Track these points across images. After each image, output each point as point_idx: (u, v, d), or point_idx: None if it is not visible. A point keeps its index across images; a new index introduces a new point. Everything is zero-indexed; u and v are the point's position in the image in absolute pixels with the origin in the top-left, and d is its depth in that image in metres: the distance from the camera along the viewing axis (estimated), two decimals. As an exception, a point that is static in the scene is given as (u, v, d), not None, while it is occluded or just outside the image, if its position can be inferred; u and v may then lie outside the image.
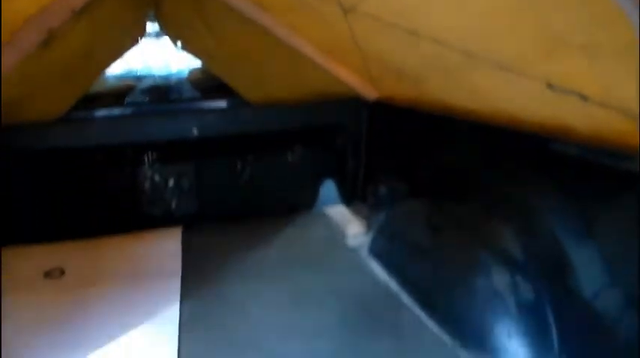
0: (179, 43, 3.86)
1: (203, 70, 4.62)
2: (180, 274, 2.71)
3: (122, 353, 2.09)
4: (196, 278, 2.66)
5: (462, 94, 2.35)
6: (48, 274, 2.82)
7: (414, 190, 2.87)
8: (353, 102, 3.29)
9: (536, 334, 1.97)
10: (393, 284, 2.49)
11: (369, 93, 3.25)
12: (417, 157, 2.88)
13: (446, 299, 2.20)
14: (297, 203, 3.53)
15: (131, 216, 3.34)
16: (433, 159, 2.76)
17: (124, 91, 4.17)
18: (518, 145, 2.16)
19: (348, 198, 3.54)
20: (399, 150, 3.10)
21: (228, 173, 3.43)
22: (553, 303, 1.97)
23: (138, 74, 5.11)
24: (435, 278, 2.31)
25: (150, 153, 3.34)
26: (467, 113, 2.36)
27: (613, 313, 1.74)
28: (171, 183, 3.37)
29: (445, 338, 2.10)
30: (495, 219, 2.22)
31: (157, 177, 3.35)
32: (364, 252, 2.84)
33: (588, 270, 1.85)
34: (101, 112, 3.39)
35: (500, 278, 2.06)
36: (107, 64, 3.71)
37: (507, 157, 2.26)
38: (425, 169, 2.82)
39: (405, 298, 2.38)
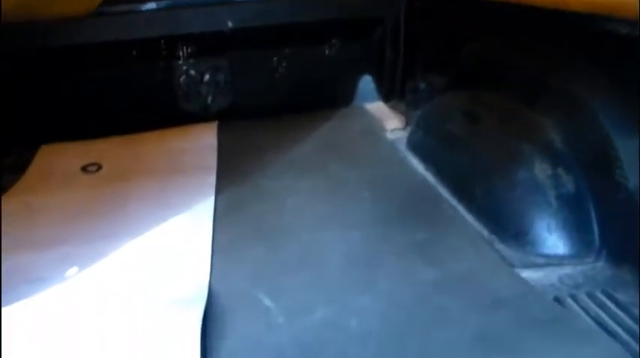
0: None
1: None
2: (215, 168, 2.69)
3: (158, 242, 2.09)
4: (232, 172, 2.64)
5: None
6: (85, 169, 2.83)
7: (454, 84, 2.79)
8: None
9: (576, 228, 1.93)
10: (430, 178, 2.45)
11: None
12: (456, 48, 2.77)
13: (483, 191, 2.15)
14: (335, 98, 3.46)
15: (167, 112, 3.31)
16: (472, 48, 2.66)
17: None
18: (563, 28, 2.06)
19: (387, 94, 3.46)
20: (438, 42, 2.99)
21: (264, 67, 3.37)
22: (595, 197, 1.92)
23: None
24: (473, 171, 2.26)
25: (185, 46, 3.28)
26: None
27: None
28: (206, 77, 3.32)
29: (482, 231, 2.05)
30: (537, 109, 2.15)
31: (192, 72, 3.30)
32: (402, 146, 2.79)
33: (634, 162, 1.78)
34: (135, 5, 3.32)
35: (541, 170, 2.00)
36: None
37: (551, 43, 2.16)
38: (464, 60, 2.72)
39: (443, 191, 2.33)
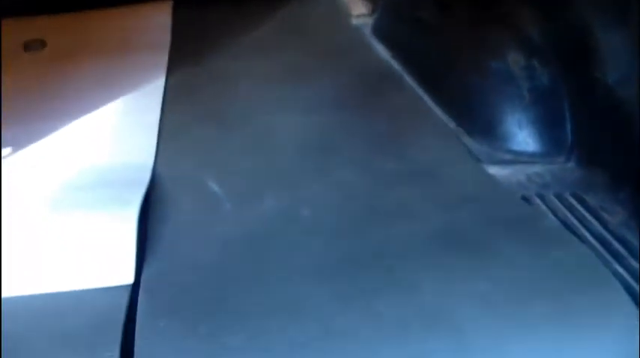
0: None
1: None
2: (167, 48, 2.51)
3: (102, 122, 1.96)
4: (185, 53, 2.46)
5: None
6: (28, 46, 2.62)
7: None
8: None
9: (548, 125, 1.82)
10: (396, 66, 2.29)
11: None
12: None
13: (452, 81, 2.03)
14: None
15: None
16: None
17: None
18: None
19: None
20: None
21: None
22: (571, 92, 1.80)
23: None
24: (442, 59, 2.12)
25: None
26: None
27: (633, 104, 1.56)
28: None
29: (449, 123, 1.93)
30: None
31: None
32: (368, 32, 2.62)
33: (614, 58, 1.66)
34: None
35: (514, 61, 1.87)
36: None
37: None
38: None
39: (409, 80, 2.18)
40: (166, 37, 2.63)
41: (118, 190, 1.53)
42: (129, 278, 1.23)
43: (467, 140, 1.85)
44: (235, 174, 1.62)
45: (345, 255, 1.28)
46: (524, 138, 1.83)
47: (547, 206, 1.58)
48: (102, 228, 1.38)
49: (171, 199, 1.51)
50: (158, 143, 1.78)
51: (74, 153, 1.78)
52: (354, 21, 2.78)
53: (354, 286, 1.17)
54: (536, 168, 1.75)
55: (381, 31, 2.55)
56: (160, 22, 2.82)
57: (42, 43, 2.63)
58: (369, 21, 2.73)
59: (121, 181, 1.58)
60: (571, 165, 1.76)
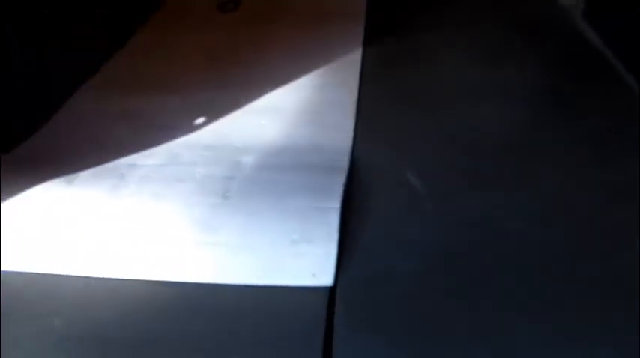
0: None
1: None
2: (363, 18, 2.46)
3: (299, 95, 1.94)
4: (381, 23, 2.41)
5: None
6: (222, 6, 2.67)
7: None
8: None
9: None
10: (607, 54, 2.08)
11: None
12: None
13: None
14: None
15: None
16: None
17: None
18: None
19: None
20: None
21: None
22: None
23: None
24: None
25: None
26: None
27: None
28: None
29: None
30: None
31: None
32: (577, 14, 2.43)
33: None
34: None
35: None
36: None
37: None
38: None
39: (621, 69, 1.98)
40: (361, 7, 2.57)
41: (317, 175, 1.51)
42: (328, 280, 1.20)
43: None
44: (436, 169, 1.54)
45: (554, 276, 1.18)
46: None
47: None
48: (301, 219, 1.36)
49: (369, 192, 1.47)
50: (356, 125, 1.74)
51: (268, 128, 1.77)
52: (564, 1, 2.60)
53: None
54: None
55: (592, 16, 2.35)
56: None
57: (236, 4, 2.67)
58: (580, 3, 2.54)
59: (319, 165, 1.56)
60: None
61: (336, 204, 1.38)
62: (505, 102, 1.82)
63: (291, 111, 1.83)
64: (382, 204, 1.43)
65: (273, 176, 1.53)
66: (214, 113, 1.84)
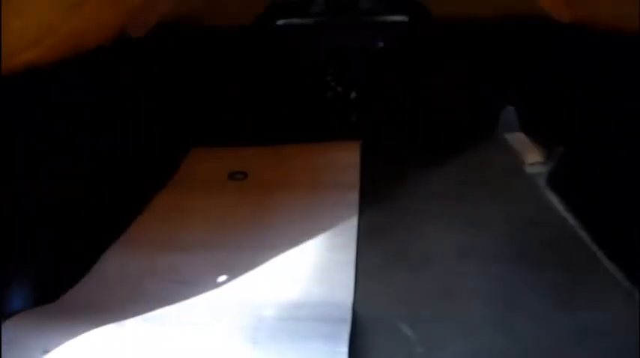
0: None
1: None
2: (358, 187, 2.78)
3: (302, 257, 2.21)
4: (374, 193, 2.72)
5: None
6: (232, 176, 2.98)
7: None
8: (541, 24, 3.03)
9: None
10: (570, 219, 2.43)
11: (562, 14, 3.05)
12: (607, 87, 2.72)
13: (628, 242, 2.12)
14: (477, 128, 3.49)
15: (312, 126, 3.43)
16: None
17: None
18: None
19: (529, 126, 3.44)
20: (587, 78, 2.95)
21: (409, 91, 3.43)
22: None
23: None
24: (618, 219, 2.23)
25: (333, 64, 3.39)
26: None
27: None
28: (353, 95, 3.42)
29: (624, 282, 2.01)
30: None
31: (339, 89, 3.40)
32: (542, 182, 2.79)
33: None
34: (285, 21, 3.45)
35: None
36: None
37: None
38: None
39: (583, 234, 2.31)
40: (356, 177, 2.91)
41: (325, 326, 1.76)
42: None
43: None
44: (426, 318, 1.82)
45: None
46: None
47: None
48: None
49: (369, 340, 1.73)
50: (355, 281, 2.02)
51: (279, 285, 2.03)
52: (529, 169, 2.96)
53: None
54: None
55: (555, 183, 2.71)
56: (349, 161, 3.11)
57: (244, 175, 2.99)
58: (542, 169, 2.90)
59: (325, 317, 1.81)
60: None
61: (343, 348, 1.63)
62: (483, 261, 2.14)
63: (301, 271, 2.10)
64: (380, 349, 1.70)
65: (291, 326, 1.78)
66: (233, 271, 2.10)
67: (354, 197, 2.66)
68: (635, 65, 2.26)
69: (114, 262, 2.20)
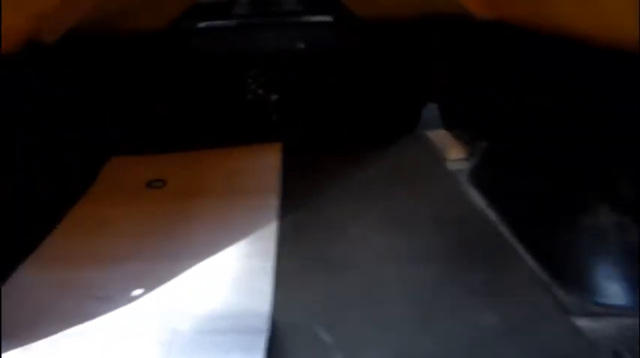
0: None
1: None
2: (278, 191, 2.74)
3: (222, 265, 2.15)
4: (294, 196, 2.69)
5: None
6: (150, 184, 2.91)
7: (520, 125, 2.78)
8: (462, 22, 3.05)
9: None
10: (491, 215, 2.45)
11: (482, 12, 3.08)
12: (525, 88, 2.76)
13: (546, 235, 2.15)
14: (399, 125, 3.49)
15: (232, 130, 3.38)
16: (543, 90, 2.64)
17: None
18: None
19: (450, 123, 3.46)
20: (508, 77, 2.98)
21: (332, 91, 3.41)
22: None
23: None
24: (537, 213, 2.26)
25: (255, 65, 3.35)
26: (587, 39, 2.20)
27: None
28: (273, 97, 3.38)
29: (542, 275, 2.04)
30: (606, 156, 2.13)
31: (260, 91, 3.36)
32: (464, 179, 2.80)
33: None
34: (207, 23, 3.39)
35: (607, 219, 1.98)
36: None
37: (620, 88, 2.14)
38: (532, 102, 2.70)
39: (504, 230, 2.33)
40: (276, 181, 2.87)
41: (241, 337, 1.71)
42: None
43: (558, 292, 1.95)
44: (344, 324, 1.78)
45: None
46: (615, 291, 1.91)
47: None
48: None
49: (287, 348, 1.69)
50: (274, 289, 1.96)
51: (196, 296, 1.97)
52: (451, 166, 2.97)
53: None
54: (627, 321, 1.81)
55: (477, 179, 2.73)
56: (270, 164, 3.07)
57: (163, 183, 2.91)
58: (464, 166, 2.92)
59: (242, 328, 1.76)
60: (663, 318, 1.84)
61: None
62: (405, 262, 2.12)
63: (219, 281, 2.04)
64: (299, 357, 1.66)
65: (208, 339, 1.72)
66: (150, 284, 2.02)
67: (274, 201, 2.62)
68: (556, 61, 2.30)
69: (24, 280, 2.09)
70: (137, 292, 2.00)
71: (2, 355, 1.64)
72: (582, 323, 1.80)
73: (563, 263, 2.05)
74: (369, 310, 1.85)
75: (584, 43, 2.06)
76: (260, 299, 1.90)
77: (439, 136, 3.37)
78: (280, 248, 2.24)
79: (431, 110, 3.56)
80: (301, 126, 3.43)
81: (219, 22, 3.43)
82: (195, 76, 3.34)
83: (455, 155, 3.06)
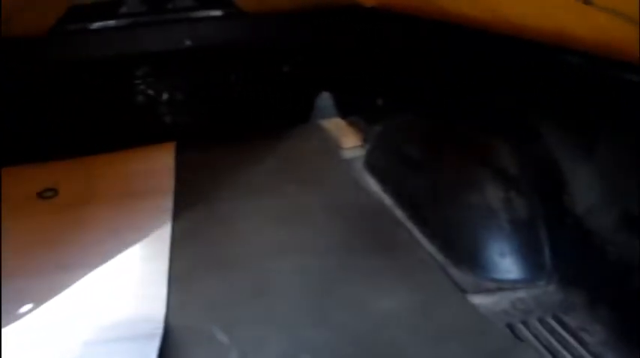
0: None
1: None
2: (172, 192, 2.68)
3: (114, 273, 2.09)
4: (189, 196, 2.63)
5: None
6: (41, 194, 2.80)
7: (412, 104, 2.81)
8: (350, 11, 3.10)
9: (528, 252, 1.96)
10: (387, 200, 2.47)
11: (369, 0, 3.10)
12: (415, 70, 2.79)
13: (439, 215, 2.18)
14: (293, 115, 3.47)
15: (124, 133, 3.29)
16: (430, 71, 2.67)
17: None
18: (519, 56, 2.08)
19: (345, 111, 3.47)
20: (398, 62, 3.00)
21: (222, 86, 3.37)
22: (547, 221, 1.96)
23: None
24: (428, 194, 2.28)
25: (142, 66, 3.27)
26: (465, 20, 2.24)
27: (605, 232, 1.71)
28: (164, 97, 3.31)
29: (437, 255, 2.08)
30: (493, 135, 2.18)
31: (150, 91, 3.29)
32: (359, 166, 2.80)
33: (584, 188, 1.82)
34: (91, 24, 3.29)
35: (493, 194, 2.04)
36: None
37: (507, 69, 2.18)
38: (423, 82, 2.74)
39: (399, 213, 2.35)
40: (170, 181, 2.80)
41: (134, 344, 1.67)
42: None
43: (453, 271, 1.99)
44: (240, 322, 1.76)
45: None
46: (506, 266, 1.96)
47: (530, 332, 1.70)
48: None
49: (182, 351, 1.66)
50: (168, 291, 1.93)
51: (89, 306, 1.91)
52: (346, 154, 2.98)
53: None
54: (520, 294, 1.88)
55: (371, 165, 2.74)
56: (164, 164, 3.00)
57: (55, 192, 2.80)
58: (360, 153, 2.92)
59: (136, 335, 1.72)
60: (551, 288, 1.89)
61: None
62: (300, 258, 2.09)
63: (114, 288, 1.99)
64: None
65: (102, 349, 1.68)
66: (40, 297, 1.94)
67: (168, 202, 2.56)
68: (440, 44, 2.33)
69: None
70: (26, 307, 1.91)
71: None
72: (477, 300, 1.84)
73: (456, 243, 2.09)
74: (264, 306, 1.84)
75: (466, 25, 2.11)
76: (155, 303, 1.86)
77: (334, 125, 3.36)
78: (175, 249, 2.19)
79: (325, 99, 3.54)
80: (195, 123, 3.36)
81: (101, 23, 3.32)
82: (82, 80, 3.23)
83: (350, 143, 3.06)
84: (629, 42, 1.49)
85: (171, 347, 1.66)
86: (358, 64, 3.27)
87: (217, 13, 3.45)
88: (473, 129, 2.27)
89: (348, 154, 2.98)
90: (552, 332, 1.70)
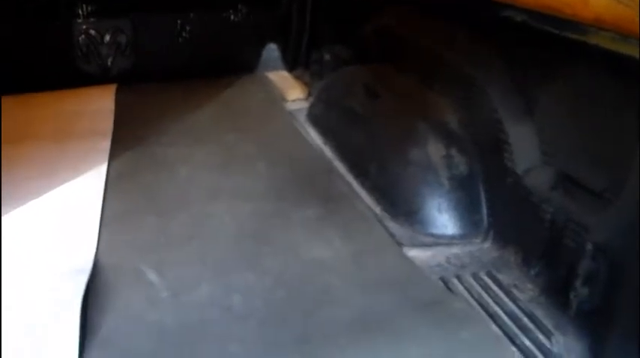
0: None
1: None
2: (110, 133, 2.61)
3: (46, 211, 2.02)
4: (127, 138, 2.55)
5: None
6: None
7: (358, 57, 2.78)
8: None
9: (466, 209, 1.97)
10: (327, 152, 2.45)
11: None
12: (360, 23, 2.76)
13: (378, 168, 2.17)
14: (238, 65, 3.41)
15: (64, 73, 3.17)
16: (374, 25, 2.64)
17: None
18: (463, 10, 2.06)
19: (291, 63, 3.43)
20: (344, 14, 2.97)
21: (168, 30, 3.28)
22: (486, 179, 1.97)
23: None
24: (369, 147, 2.27)
25: (85, 5, 3.16)
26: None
27: (542, 191, 1.71)
28: (107, 38, 3.21)
29: (375, 208, 2.07)
30: (436, 89, 2.17)
31: (92, 32, 3.18)
32: (302, 118, 2.78)
33: (523, 147, 1.82)
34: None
35: (434, 150, 2.03)
36: None
37: (450, 23, 2.17)
38: (367, 34, 2.71)
39: (339, 165, 2.34)
40: (109, 122, 2.73)
41: (61, 279, 1.61)
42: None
43: (390, 224, 1.98)
44: (172, 263, 1.72)
45: (271, 342, 1.40)
46: (443, 221, 1.97)
47: (464, 286, 1.71)
48: (45, 317, 1.47)
49: (111, 288, 1.60)
50: (100, 232, 1.87)
51: (18, 241, 1.84)
52: (290, 106, 2.94)
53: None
54: (455, 250, 1.89)
55: (314, 117, 2.71)
56: (104, 106, 2.91)
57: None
58: (304, 105, 2.89)
59: (64, 270, 1.66)
60: (487, 245, 1.91)
61: (77, 300, 1.50)
62: (236, 202, 2.05)
63: (43, 224, 1.93)
64: (122, 297, 1.57)
65: (27, 280, 1.63)
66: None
67: (105, 144, 2.48)
68: None
69: None
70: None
71: None
72: (413, 253, 1.84)
73: (395, 196, 2.08)
74: (198, 249, 1.80)
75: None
76: (85, 241, 1.81)
77: (279, 77, 3.32)
78: (110, 190, 2.13)
79: (272, 51, 3.48)
80: (138, 67, 3.27)
81: None
82: (23, 15, 3.11)
83: (294, 95, 3.03)
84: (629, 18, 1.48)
85: (101, 284, 1.61)
86: (305, 17, 3.23)
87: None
88: (415, 79, 2.26)
89: (291, 107, 2.94)
90: (485, 287, 1.71)
